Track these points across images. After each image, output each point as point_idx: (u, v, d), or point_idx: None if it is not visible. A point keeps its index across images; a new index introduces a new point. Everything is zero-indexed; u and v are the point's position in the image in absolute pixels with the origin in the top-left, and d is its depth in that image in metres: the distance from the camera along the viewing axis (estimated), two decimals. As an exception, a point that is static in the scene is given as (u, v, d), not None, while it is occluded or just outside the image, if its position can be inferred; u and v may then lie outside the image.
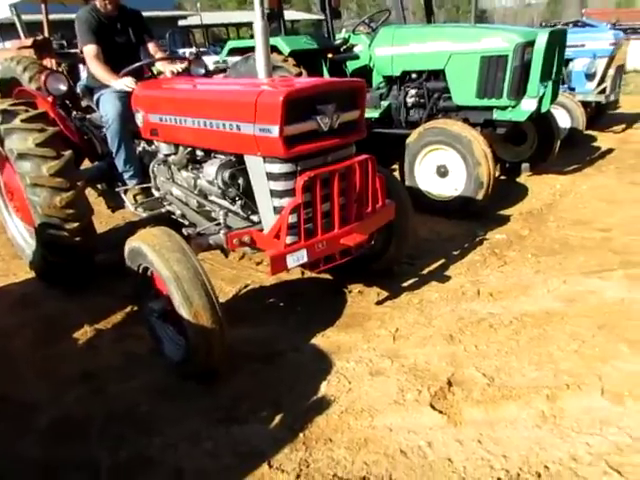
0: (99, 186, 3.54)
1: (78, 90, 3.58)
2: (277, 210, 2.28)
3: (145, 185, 3.24)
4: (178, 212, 3.01)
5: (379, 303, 2.92)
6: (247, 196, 2.48)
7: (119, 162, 3.19)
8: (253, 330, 2.70)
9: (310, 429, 2.00)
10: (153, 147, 3.17)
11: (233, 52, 5.81)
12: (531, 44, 4.11)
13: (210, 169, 2.51)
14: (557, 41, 4.22)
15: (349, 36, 5.96)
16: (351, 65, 5.48)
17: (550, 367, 2.25)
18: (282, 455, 1.89)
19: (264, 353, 2.50)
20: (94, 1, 3.22)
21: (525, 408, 2.02)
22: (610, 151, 6.12)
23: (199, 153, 2.74)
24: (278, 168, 2.22)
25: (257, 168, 2.29)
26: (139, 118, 2.96)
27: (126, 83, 2.98)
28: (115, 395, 2.28)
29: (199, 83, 3.18)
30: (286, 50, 5.03)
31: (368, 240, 2.53)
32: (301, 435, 1.97)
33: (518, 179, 5.08)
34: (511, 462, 1.77)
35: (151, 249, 2.13)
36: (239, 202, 2.55)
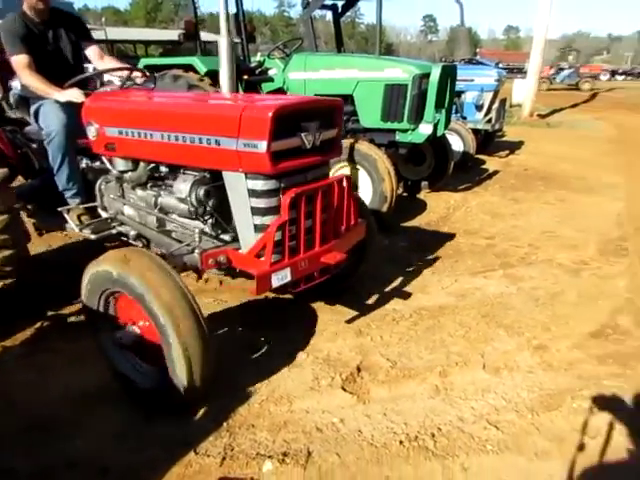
0: (29, 206, 3.17)
1: (11, 100, 3.31)
2: (258, 228, 2.20)
3: (89, 205, 2.96)
4: (132, 233, 2.79)
5: (295, 304, 3.14)
6: (219, 214, 2.39)
7: (60, 179, 2.89)
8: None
9: (233, 418, 2.14)
10: (98, 164, 2.97)
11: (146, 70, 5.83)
12: (427, 76, 4.65)
13: (182, 186, 2.37)
14: (448, 74, 4.81)
15: (264, 60, 6.26)
16: (266, 87, 5.74)
17: (442, 350, 2.60)
18: (207, 443, 1.99)
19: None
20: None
21: (422, 384, 2.34)
22: (495, 172, 6.96)
23: (163, 169, 2.60)
24: (261, 185, 2.14)
25: (237, 185, 2.19)
26: (92, 131, 2.70)
27: (74, 95, 2.74)
28: (29, 405, 2.21)
29: (168, 96, 3.06)
30: (203, 70, 5.20)
31: (347, 258, 2.47)
32: (225, 424, 2.10)
33: (418, 195, 5.64)
34: (411, 427, 2.06)
35: (132, 272, 1.95)
36: (210, 220, 2.44)
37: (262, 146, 2.01)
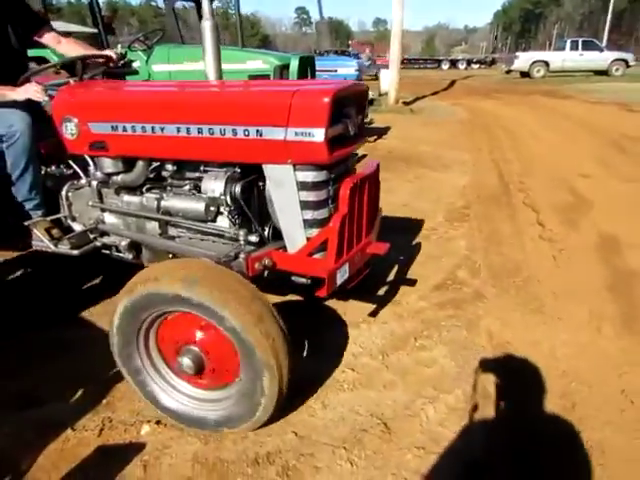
0: None
1: None
2: (308, 224, 2.05)
3: (54, 216, 2.58)
4: (123, 243, 2.45)
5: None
6: (250, 213, 2.18)
7: (21, 188, 2.49)
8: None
9: (112, 394, 2.22)
10: (57, 169, 2.58)
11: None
12: (287, 66, 4.93)
13: (212, 184, 2.13)
14: (307, 65, 5.14)
15: (126, 52, 6.08)
16: (130, 79, 5.61)
17: (314, 313, 2.88)
18: (85, 419, 2.07)
19: (58, 339, 2.60)
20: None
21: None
22: (363, 156, 7.49)
23: (169, 168, 2.30)
24: (313, 176, 1.99)
25: (284, 178, 2.00)
26: (68, 129, 2.35)
27: (32, 93, 2.35)
28: None
29: (179, 85, 2.75)
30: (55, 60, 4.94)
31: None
32: (104, 401, 2.18)
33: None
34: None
35: (206, 289, 1.71)
36: (241, 221, 2.19)
37: (319, 134, 1.86)
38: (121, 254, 2.51)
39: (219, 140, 2.03)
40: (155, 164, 2.36)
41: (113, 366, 2.05)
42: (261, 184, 2.19)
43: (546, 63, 23.11)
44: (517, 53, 26.25)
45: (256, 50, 6.35)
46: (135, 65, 6.00)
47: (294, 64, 4.85)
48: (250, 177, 2.16)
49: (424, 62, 39.50)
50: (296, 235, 2.09)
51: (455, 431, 1.99)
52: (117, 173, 2.40)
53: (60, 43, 2.87)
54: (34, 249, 2.60)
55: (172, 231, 2.41)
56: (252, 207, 2.19)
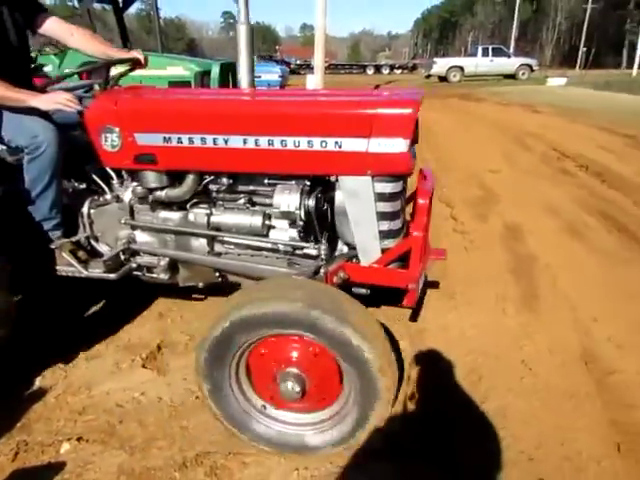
0: None
1: None
2: (384, 235, 2.03)
3: (76, 237, 2.37)
4: (162, 263, 2.30)
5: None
6: (314, 225, 2.08)
7: (41, 207, 2.23)
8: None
9: (28, 416, 2.14)
10: (76, 184, 2.36)
11: None
12: (208, 73, 4.93)
13: (286, 198, 2.01)
14: (228, 71, 5.17)
15: (36, 56, 5.81)
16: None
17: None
18: (-2, 444, 1.97)
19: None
20: None
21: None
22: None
23: (224, 181, 2.18)
24: (391, 187, 1.97)
25: (361, 190, 1.95)
26: (109, 140, 2.13)
27: (68, 100, 2.07)
28: None
29: (239, 93, 2.58)
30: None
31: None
32: (18, 424, 2.09)
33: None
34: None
35: (326, 307, 1.66)
36: (309, 234, 2.10)
37: (403, 145, 1.84)
38: (154, 275, 2.36)
39: (292, 152, 1.94)
40: (208, 178, 2.20)
41: (28, 387, 1.98)
42: (326, 196, 2.10)
43: (461, 68, 24.54)
44: (435, 59, 27.62)
45: (176, 56, 6.27)
46: (47, 69, 5.79)
47: (215, 71, 4.86)
48: (320, 189, 2.08)
49: (350, 67, 40.40)
50: (372, 247, 2.06)
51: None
52: (161, 188, 2.21)
53: (73, 35, 2.44)
54: (59, 274, 2.32)
55: (219, 248, 2.29)
56: (320, 220, 2.09)
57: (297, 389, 1.80)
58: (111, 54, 2.41)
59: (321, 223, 2.08)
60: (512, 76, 24.29)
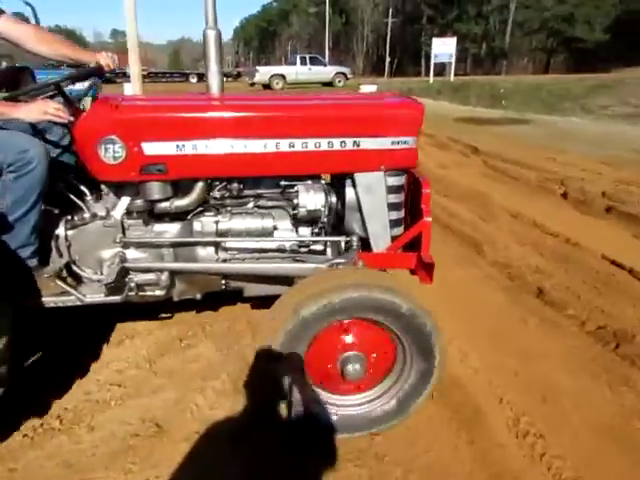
0: None
1: None
2: (393, 223, 2.27)
3: (59, 264, 2.12)
4: (163, 277, 2.18)
5: None
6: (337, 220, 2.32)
7: (21, 231, 1.96)
8: None
9: None
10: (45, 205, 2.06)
11: None
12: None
13: (311, 197, 2.17)
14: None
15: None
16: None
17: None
18: None
19: None
20: None
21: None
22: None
23: (234, 186, 2.19)
24: (398, 180, 2.25)
25: (375, 184, 2.17)
26: (113, 151, 1.94)
27: (58, 110, 1.87)
28: None
29: (254, 98, 2.72)
30: None
31: None
32: None
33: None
34: (34, 420, 2.14)
35: (397, 288, 1.85)
36: (328, 229, 2.30)
37: (412, 142, 2.14)
38: (149, 293, 2.22)
39: (313, 153, 2.06)
40: (218, 184, 2.20)
41: None
42: (340, 193, 2.26)
43: (283, 76, 25.65)
44: (257, 67, 28.38)
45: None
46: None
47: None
48: (336, 187, 2.27)
49: (170, 75, 39.08)
50: (384, 235, 2.26)
51: (225, 409, 2.18)
52: (166, 199, 2.11)
53: (42, 42, 2.16)
54: (50, 306, 2.08)
55: (228, 254, 2.27)
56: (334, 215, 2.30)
57: (360, 368, 1.89)
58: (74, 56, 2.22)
59: (335, 218, 2.30)
60: (330, 84, 26.21)
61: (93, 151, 1.96)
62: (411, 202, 2.37)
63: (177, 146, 1.98)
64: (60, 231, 2.13)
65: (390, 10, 44.89)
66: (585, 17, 47.57)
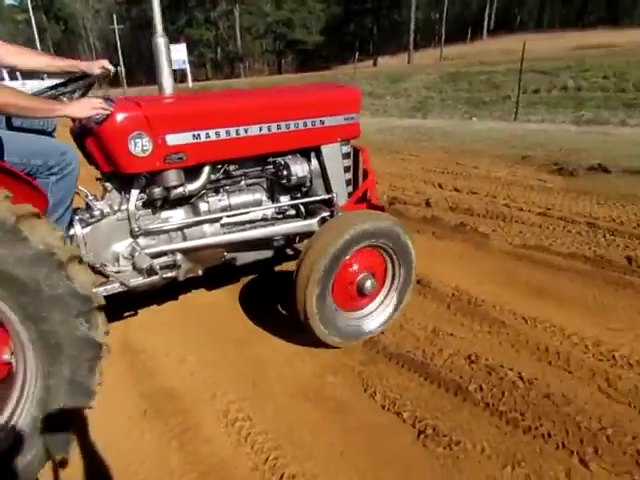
0: None
1: None
2: (347, 182, 3.01)
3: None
4: (179, 257, 2.46)
5: None
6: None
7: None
8: None
9: None
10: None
11: None
12: None
13: (299, 167, 2.70)
14: None
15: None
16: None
17: None
18: None
19: None
20: None
21: None
22: None
23: (233, 166, 2.65)
24: (346, 148, 2.94)
25: (335, 152, 2.86)
26: (142, 145, 2.20)
27: (101, 105, 2.02)
28: None
29: (243, 92, 3.22)
30: None
31: None
32: None
33: None
34: None
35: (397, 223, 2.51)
36: (301, 193, 2.91)
37: (357, 117, 2.90)
38: (168, 274, 2.40)
39: (293, 132, 2.64)
40: (221, 166, 2.59)
41: None
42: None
43: None
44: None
45: None
46: None
47: None
48: (310, 156, 2.84)
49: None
50: (343, 192, 2.94)
51: None
52: (181, 185, 2.42)
53: (9, 52, 2.08)
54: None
55: (230, 227, 2.69)
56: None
57: (373, 284, 2.47)
58: (60, 65, 2.22)
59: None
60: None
61: (123, 146, 2.17)
62: (353, 165, 3.08)
63: (193, 135, 2.34)
64: (75, 230, 2.25)
65: (115, 16, 42.20)
66: (302, 21, 53.56)
